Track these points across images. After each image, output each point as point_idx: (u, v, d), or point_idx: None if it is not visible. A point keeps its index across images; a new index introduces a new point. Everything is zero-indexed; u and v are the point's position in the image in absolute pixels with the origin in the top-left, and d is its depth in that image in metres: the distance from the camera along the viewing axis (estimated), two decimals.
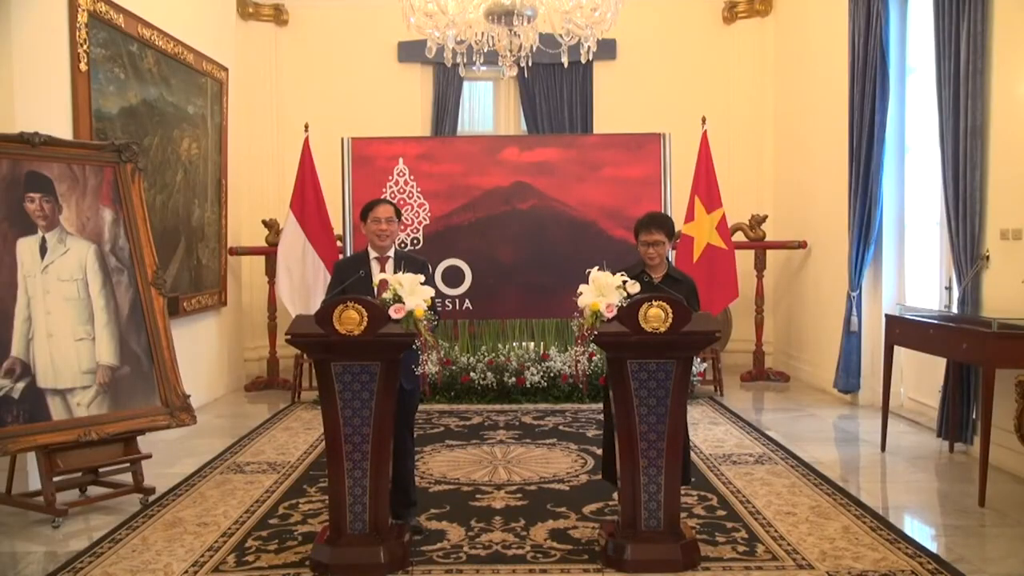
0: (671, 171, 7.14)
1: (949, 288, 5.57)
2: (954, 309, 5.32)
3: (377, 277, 3.86)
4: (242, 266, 8.36)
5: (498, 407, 6.87)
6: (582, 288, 3.65)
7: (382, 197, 4.41)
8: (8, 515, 4.38)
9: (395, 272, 3.97)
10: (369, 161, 7.16)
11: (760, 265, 8.12)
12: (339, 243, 7.30)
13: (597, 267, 3.66)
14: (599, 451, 5.45)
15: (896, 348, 5.48)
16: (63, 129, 5.09)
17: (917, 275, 6.47)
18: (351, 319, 3.47)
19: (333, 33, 8.98)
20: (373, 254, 4.13)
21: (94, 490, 4.67)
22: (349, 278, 3.98)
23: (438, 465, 5.21)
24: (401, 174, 7.17)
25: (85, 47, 5.33)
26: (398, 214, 4.21)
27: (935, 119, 5.51)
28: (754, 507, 4.36)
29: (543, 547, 3.84)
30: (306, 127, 7.29)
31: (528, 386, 7.04)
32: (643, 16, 8.59)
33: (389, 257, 4.13)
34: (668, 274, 4.10)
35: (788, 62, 8.54)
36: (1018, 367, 4.36)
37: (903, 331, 5.24)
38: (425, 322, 3.55)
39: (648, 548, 3.58)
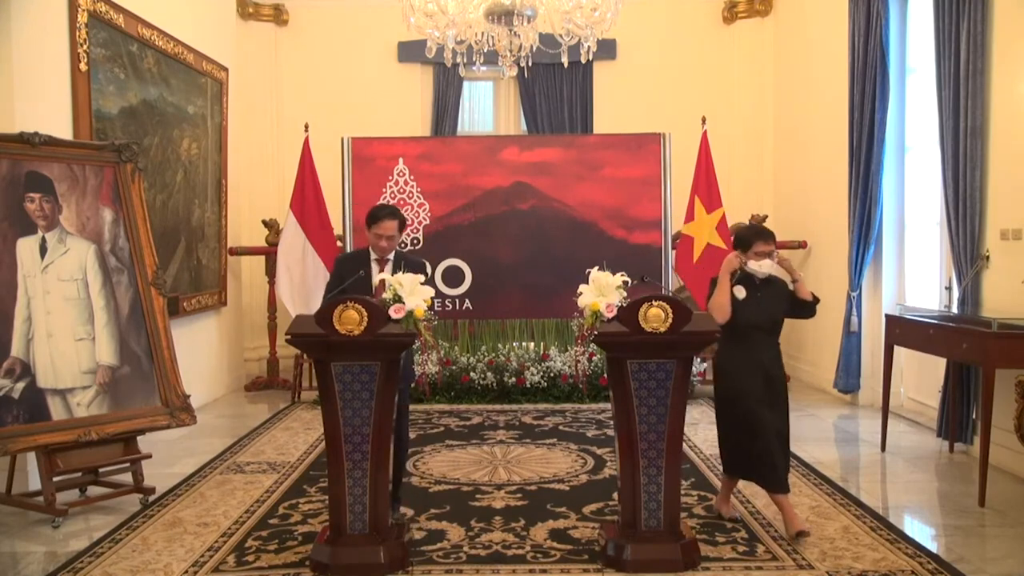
0: (671, 171, 7.15)
1: (949, 288, 5.57)
2: (954, 309, 5.32)
3: (377, 278, 3.86)
4: (242, 266, 8.36)
5: (498, 407, 6.87)
6: (582, 288, 3.65)
7: (389, 204, 4.42)
8: (8, 515, 4.38)
9: (394, 273, 4.01)
10: (369, 161, 7.17)
11: None
12: (339, 243, 7.30)
13: (597, 267, 3.66)
14: (599, 451, 5.47)
15: (896, 348, 5.48)
16: (63, 129, 5.09)
17: (917, 275, 6.47)
18: (351, 319, 3.47)
19: (333, 33, 8.98)
20: (374, 255, 4.17)
21: (94, 490, 4.67)
22: (349, 275, 4.02)
23: (438, 465, 5.21)
24: (401, 174, 7.17)
25: (85, 47, 5.33)
26: (402, 226, 4.22)
27: (935, 119, 5.51)
28: (754, 507, 4.36)
29: (543, 547, 3.84)
30: (306, 127, 7.29)
31: (528, 386, 7.04)
32: (643, 16, 8.60)
33: (388, 260, 4.17)
34: (770, 276, 4.09)
35: (788, 62, 8.54)
36: (1018, 367, 4.36)
37: (903, 331, 5.24)
38: (425, 322, 3.56)
39: (648, 548, 3.58)
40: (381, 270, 4.11)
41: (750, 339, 3.99)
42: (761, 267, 3.99)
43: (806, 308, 4.13)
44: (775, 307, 4.05)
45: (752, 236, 4.06)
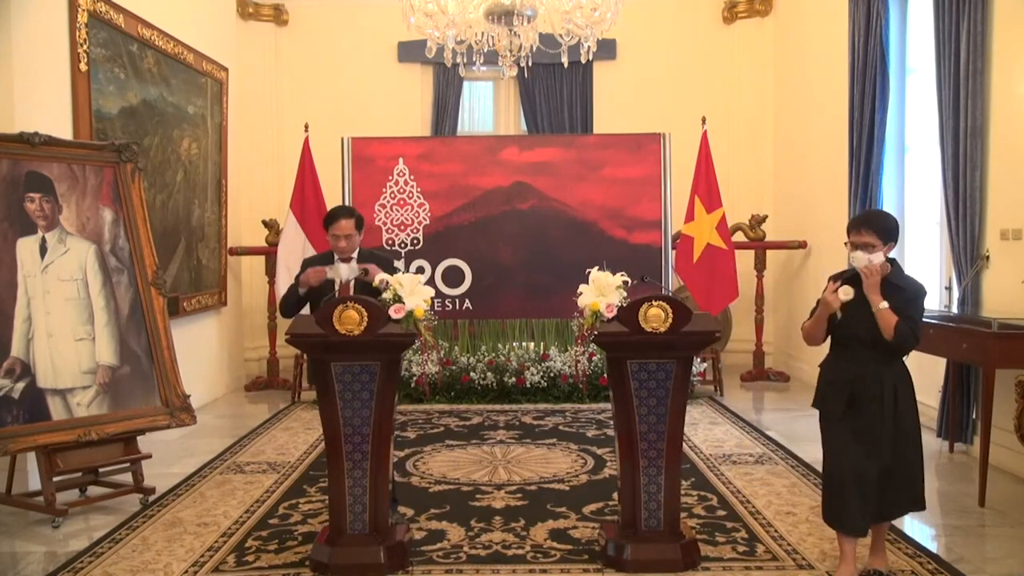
0: (671, 171, 7.15)
1: (949, 288, 5.57)
2: (954, 309, 5.32)
3: (378, 278, 3.86)
4: (242, 266, 8.36)
5: (498, 407, 6.87)
6: (582, 288, 3.65)
7: (344, 205, 4.52)
8: (8, 515, 4.38)
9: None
10: (369, 161, 7.17)
11: (760, 265, 8.12)
12: None
13: (597, 267, 3.66)
14: (599, 451, 5.47)
15: None
16: (63, 129, 5.09)
17: (917, 275, 6.42)
18: (351, 319, 3.47)
19: (333, 33, 8.98)
20: (337, 255, 4.24)
21: (94, 490, 4.67)
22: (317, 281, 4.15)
23: (438, 465, 5.21)
24: (401, 174, 7.17)
25: (85, 47, 5.33)
26: (360, 224, 4.25)
27: (935, 119, 5.50)
28: (754, 507, 4.36)
29: (543, 547, 3.84)
30: (306, 127, 7.29)
31: (528, 386, 7.04)
32: (643, 16, 8.59)
33: (352, 258, 4.23)
34: (888, 279, 3.37)
35: (788, 62, 8.54)
36: (1018, 367, 4.36)
37: None
38: (425, 322, 3.57)
39: (648, 548, 3.57)
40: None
41: (845, 350, 3.43)
42: (854, 260, 3.38)
43: (891, 342, 3.28)
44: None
45: (849, 224, 3.47)
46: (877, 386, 3.33)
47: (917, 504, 3.44)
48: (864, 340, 3.34)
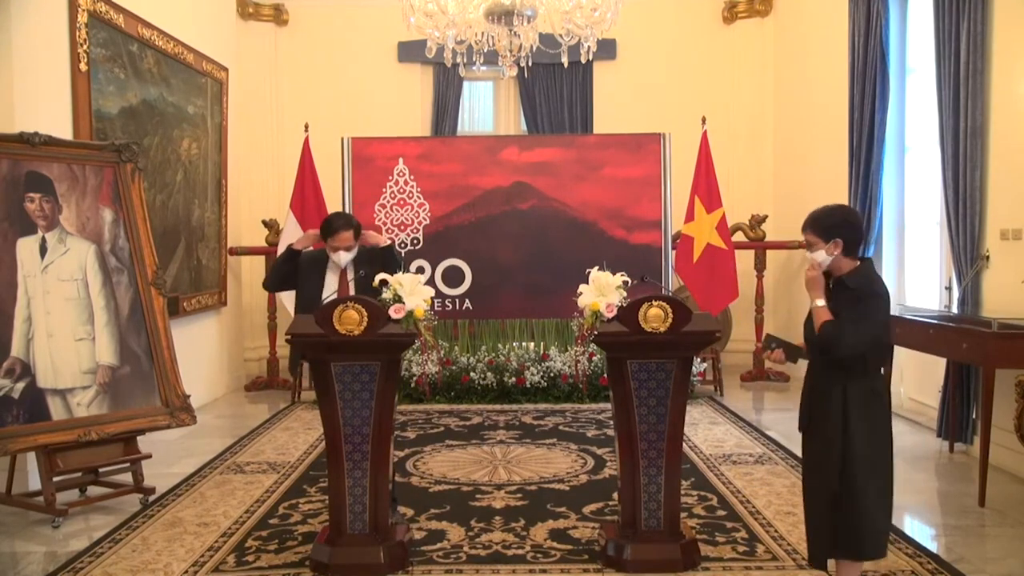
0: (671, 171, 7.15)
1: (949, 288, 5.57)
2: (954, 309, 5.32)
3: (378, 278, 3.86)
4: (242, 266, 8.36)
5: (498, 407, 6.87)
6: (582, 288, 3.65)
7: (342, 213, 4.67)
8: (8, 515, 4.38)
9: (357, 270, 4.26)
10: (369, 161, 7.17)
11: (760, 265, 8.12)
12: None
13: (597, 267, 3.66)
14: (599, 451, 5.47)
15: (896, 348, 5.47)
16: (63, 129, 5.09)
17: (917, 275, 6.46)
18: (351, 319, 3.47)
19: (333, 33, 8.98)
20: (333, 257, 4.33)
21: (94, 490, 4.67)
22: (309, 271, 4.32)
23: (438, 465, 5.21)
24: (401, 174, 7.17)
25: (85, 47, 5.33)
26: (357, 232, 4.35)
27: (935, 119, 5.50)
28: (754, 507, 4.36)
29: (543, 547, 3.84)
30: (306, 127, 7.29)
31: (528, 386, 7.04)
32: (643, 16, 8.59)
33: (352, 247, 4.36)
34: (842, 278, 3.08)
35: (788, 62, 8.54)
36: (1018, 367, 4.36)
37: (903, 331, 5.24)
38: (425, 322, 3.57)
39: (648, 548, 3.58)
40: (342, 271, 4.30)
41: (812, 360, 3.23)
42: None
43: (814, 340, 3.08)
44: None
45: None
46: (827, 400, 3.07)
47: (861, 549, 3.07)
48: (815, 348, 3.13)
